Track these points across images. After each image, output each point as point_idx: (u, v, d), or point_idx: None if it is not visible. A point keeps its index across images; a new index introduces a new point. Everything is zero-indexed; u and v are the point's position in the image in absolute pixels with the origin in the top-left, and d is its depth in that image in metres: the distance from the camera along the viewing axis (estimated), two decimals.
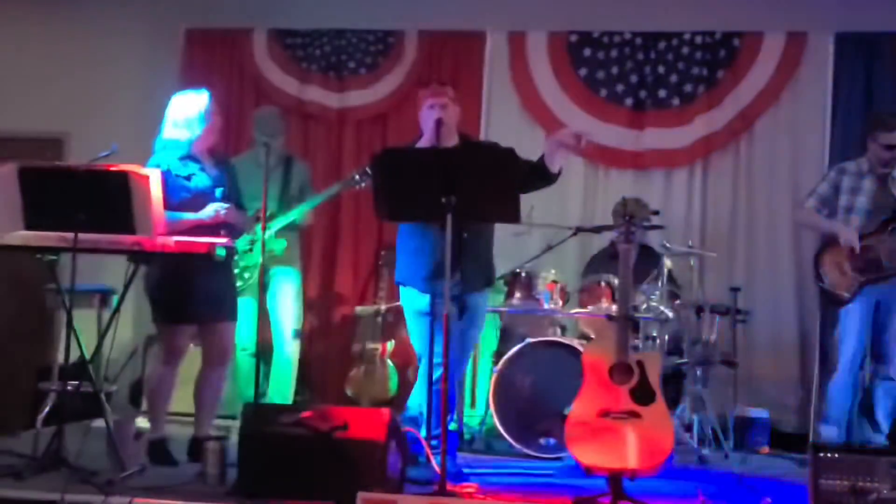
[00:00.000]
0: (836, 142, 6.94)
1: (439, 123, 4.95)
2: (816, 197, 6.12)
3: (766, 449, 6.42)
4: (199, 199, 5.12)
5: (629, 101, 7.27)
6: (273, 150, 5.71)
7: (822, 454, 4.03)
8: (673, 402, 6.28)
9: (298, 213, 6.19)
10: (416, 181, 4.48)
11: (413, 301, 5.14)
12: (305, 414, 4.36)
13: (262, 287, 5.58)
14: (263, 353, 5.64)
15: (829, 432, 5.92)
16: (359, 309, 7.23)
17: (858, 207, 6.01)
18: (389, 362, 7.05)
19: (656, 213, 6.39)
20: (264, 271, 5.52)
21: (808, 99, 7.09)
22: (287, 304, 6.33)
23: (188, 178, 5.13)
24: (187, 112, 5.18)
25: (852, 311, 5.95)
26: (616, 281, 5.93)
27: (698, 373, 6.36)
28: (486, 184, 4.43)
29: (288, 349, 6.33)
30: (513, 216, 4.58)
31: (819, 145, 7.02)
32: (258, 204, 5.47)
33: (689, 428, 6.20)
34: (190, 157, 5.17)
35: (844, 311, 5.97)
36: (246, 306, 5.82)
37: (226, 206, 5.11)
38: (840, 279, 5.96)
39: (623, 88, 7.28)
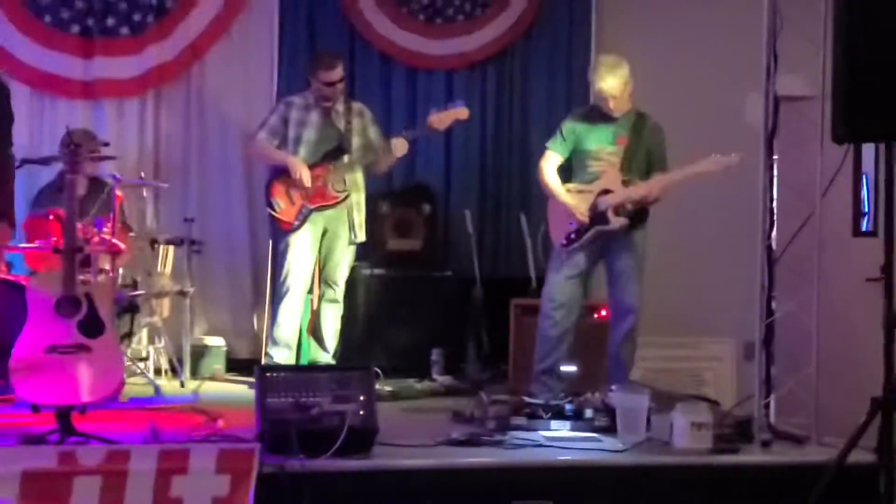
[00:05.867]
0: (284, 75, 7.16)
1: None
2: (267, 129, 6.31)
3: (222, 375, 6.58)
4: None
5: (76, 29, 6.97)
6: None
7: (267, 374, 4.19)
8: (129, 335, 6.24)
9: None
10: None
11: None
12: None
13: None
14: None
15: (281, 356, 6.20)
16: None
17: (306, 139, 6.28)
18: None
19: (106, 144, 6.25)
20: None
21: (257, 32, 7.23)
22: None
23: None
24: None
25: (301, 238, 6.23)
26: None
27: (154, 304, 6.36)
28: None
29: None
30: None
31: (268, 78, 7.21)
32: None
33: (145, 359, 6.20)
34: None
35: (294, 238, 6.23)
36: None
37: None
38: (290, 207, 6.22)
39: (70, 15, 6.95)
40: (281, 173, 6.27)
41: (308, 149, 6.28)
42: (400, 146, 6.25)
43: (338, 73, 6.28)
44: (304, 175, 6.13)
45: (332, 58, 6.36)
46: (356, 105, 6.46)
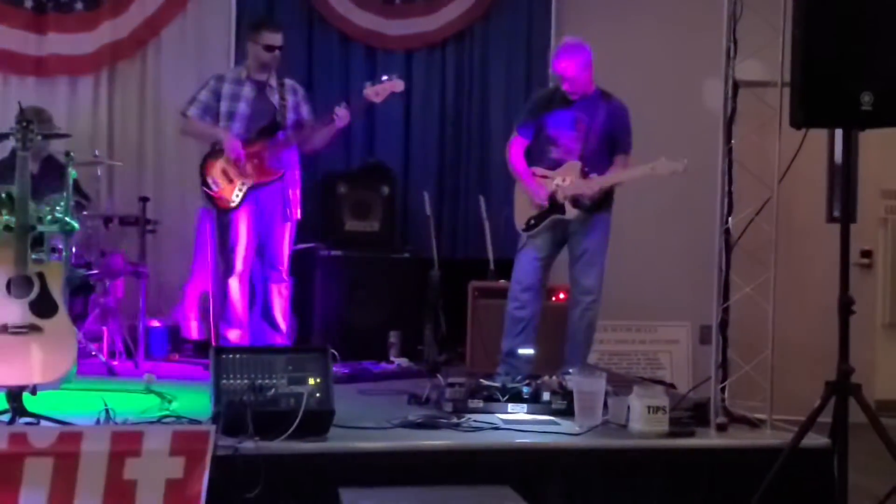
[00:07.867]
0: (241, 54, 6.97)
1: None
2: (198, 105, 6.24)
3: (176, 356, 6.52)
4: None
5: (29, 3, 6.87)
6: None
7: (223, 355, 4.14)
8: (83, 315, 6.17)
9: None
10: None
11: None
12: None
13: None
14: None
15: (234, 335, 6.16)
16: None
17: (239, 114, 6.21)
18: None
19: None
20: None
21: (213, 10, 7.17)
22: None
23: None
24: None
25: (241, 217, 6.15)
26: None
27: (107, 284, 6.29)
28: None
29: None
30: None
31: (224, 57, 7.12)
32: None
33: (98, 340, 6.13)
34: None
35: (234, 217, 6.15)
36: None
37: None
38: (227, 186, 6.14)
39: None
40: (215, 151, 6.19)
41: (242, 124, 6.21)
42: (343, 116, 6.18)
43: (280, 38, 6.23)
44: (240, 154, 6.06)
45: (276, 23, 6.32)
46: (289, 82, 6.40)
